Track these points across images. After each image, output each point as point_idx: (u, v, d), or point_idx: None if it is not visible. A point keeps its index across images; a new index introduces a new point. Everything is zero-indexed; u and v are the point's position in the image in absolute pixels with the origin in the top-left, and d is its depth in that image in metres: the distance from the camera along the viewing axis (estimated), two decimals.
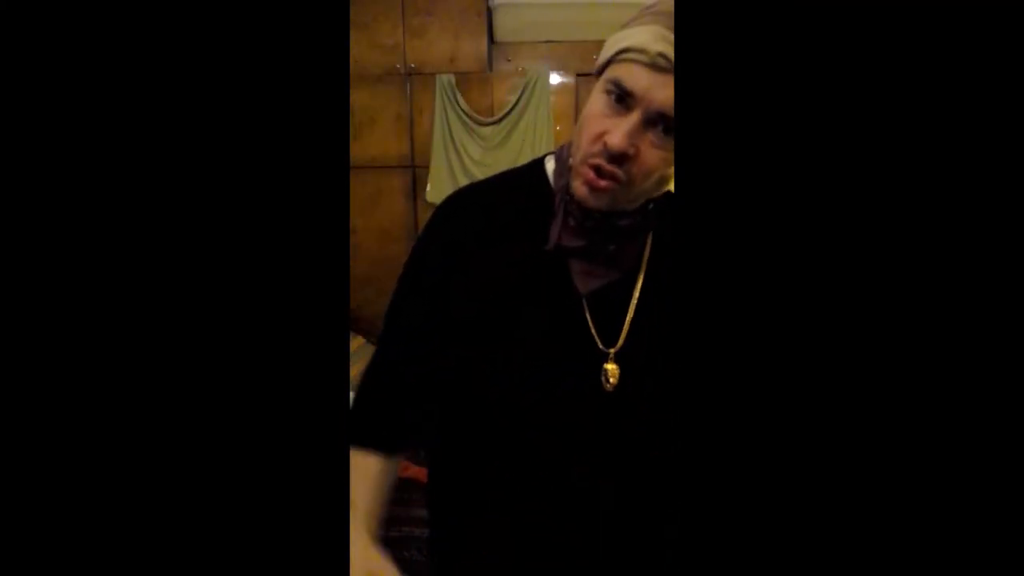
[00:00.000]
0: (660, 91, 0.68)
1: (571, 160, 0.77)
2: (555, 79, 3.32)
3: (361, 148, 3.46)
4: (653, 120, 0.70)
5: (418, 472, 2.89)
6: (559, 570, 0.78)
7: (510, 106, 3.37)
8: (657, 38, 0.68)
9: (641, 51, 0.68)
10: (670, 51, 0.67)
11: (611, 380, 0.77)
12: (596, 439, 0.77)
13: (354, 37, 3.33)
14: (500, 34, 3.45)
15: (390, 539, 2.40)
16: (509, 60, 3.46)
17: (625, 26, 0.73)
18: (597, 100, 0.73)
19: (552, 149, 0.98)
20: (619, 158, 0.71)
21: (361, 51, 3.39)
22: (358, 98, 3.40)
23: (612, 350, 0.78)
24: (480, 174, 3.22)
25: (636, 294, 0.80)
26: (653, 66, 0.68)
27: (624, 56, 0.70)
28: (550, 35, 3.40)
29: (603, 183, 0.72)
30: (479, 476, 0.81)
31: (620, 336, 0.78)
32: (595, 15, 3.22)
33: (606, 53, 0.74)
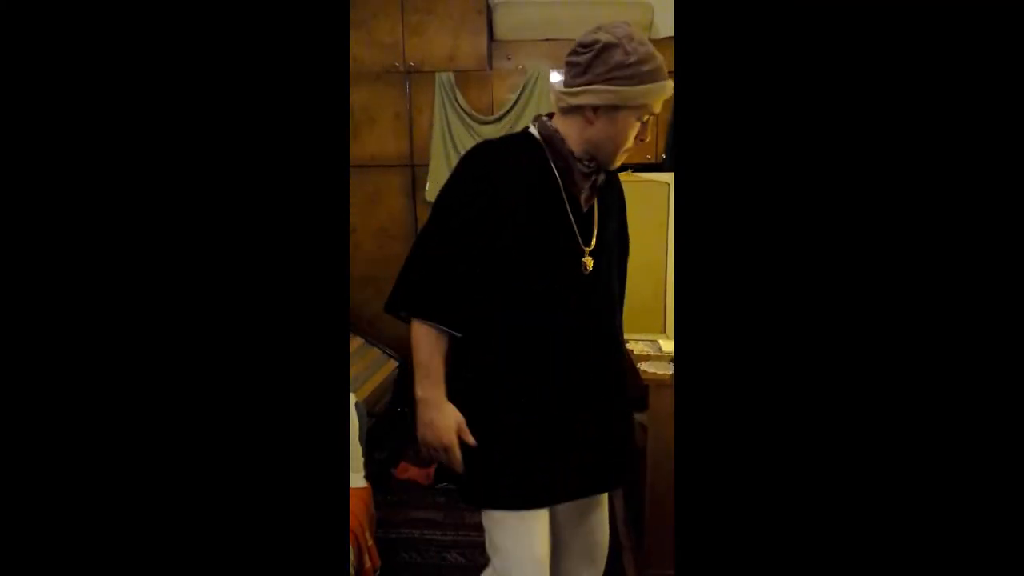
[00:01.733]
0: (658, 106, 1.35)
1: (593, 146, 1.36)
2: (555, 77, 3.31)
3: (360, 147, 3.46)
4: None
5: (417, 474, 2.88)
6: (557, 391, 1.35)
7: (510, 104, 3.37)
8: (666, 89, 1.32)
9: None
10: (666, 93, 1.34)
11: (588, 267, 1.37)
12: (580, 302, 1.37)
13: (353, 36, 3.33)
14: (500, 32, 3.45)
15: (388, 540, 2.40)
16: (509, 58, 3.46)
17: (640, 81, 1.29)
18: (629, 120, 1.32)
19: None
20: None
21: (360, 49, 3.39)
22: (357, 97, 3.40)
23: (588, 248, 1.38)
24: None
25: (596, 214, 1.41)
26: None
27: (647, 99, 1.32)
28: (550, 33, 3.40)
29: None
30: (502, 334, 1.35)
31: (592, 239, 1.38)
32: (595, 13, 3.22)
33: (635, 100, 1.30)
